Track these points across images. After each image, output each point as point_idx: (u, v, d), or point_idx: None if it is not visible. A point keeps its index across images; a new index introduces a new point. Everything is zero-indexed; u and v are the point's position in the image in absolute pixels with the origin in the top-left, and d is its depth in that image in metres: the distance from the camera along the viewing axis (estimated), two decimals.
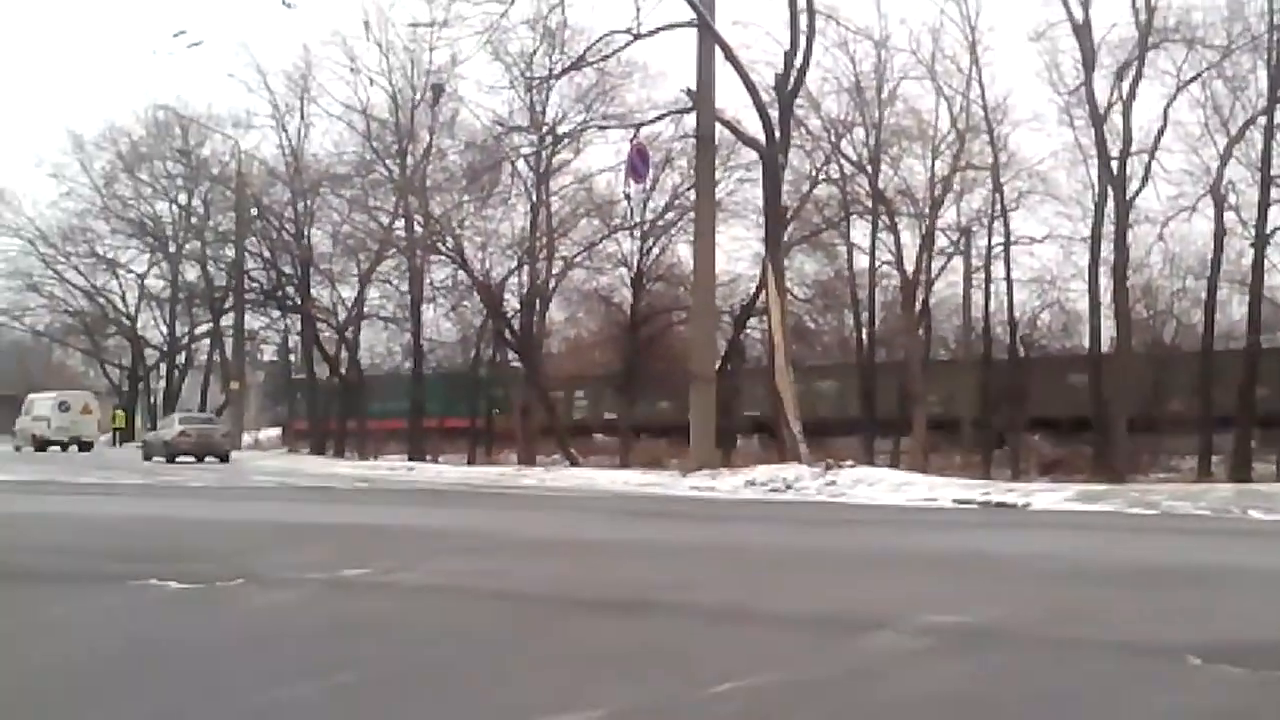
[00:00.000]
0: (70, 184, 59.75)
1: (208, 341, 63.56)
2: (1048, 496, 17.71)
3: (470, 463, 42.41)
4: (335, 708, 4.94)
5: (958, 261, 41.99)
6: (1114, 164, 35.30)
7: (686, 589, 7.79)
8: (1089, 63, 35.26)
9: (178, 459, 40.69)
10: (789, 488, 20.81)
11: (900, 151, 41.80)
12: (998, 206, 40.20)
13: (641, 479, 24.25)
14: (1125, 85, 35.44)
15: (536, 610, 7.21)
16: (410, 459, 43.18)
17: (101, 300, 65.26)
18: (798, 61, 29.02)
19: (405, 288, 47.64)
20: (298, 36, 65.12)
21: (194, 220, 59.44)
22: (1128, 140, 35.21)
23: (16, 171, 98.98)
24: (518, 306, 44.64)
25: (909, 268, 41.17)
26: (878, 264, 42.74)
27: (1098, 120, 35.34)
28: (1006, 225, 40.42)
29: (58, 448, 53.22)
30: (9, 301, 65.32)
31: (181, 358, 66.46)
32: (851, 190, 42.28)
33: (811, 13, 29.24)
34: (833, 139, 41.17)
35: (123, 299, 65.44)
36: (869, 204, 41.82)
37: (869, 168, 41.09)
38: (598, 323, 51.59)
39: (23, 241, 62.17)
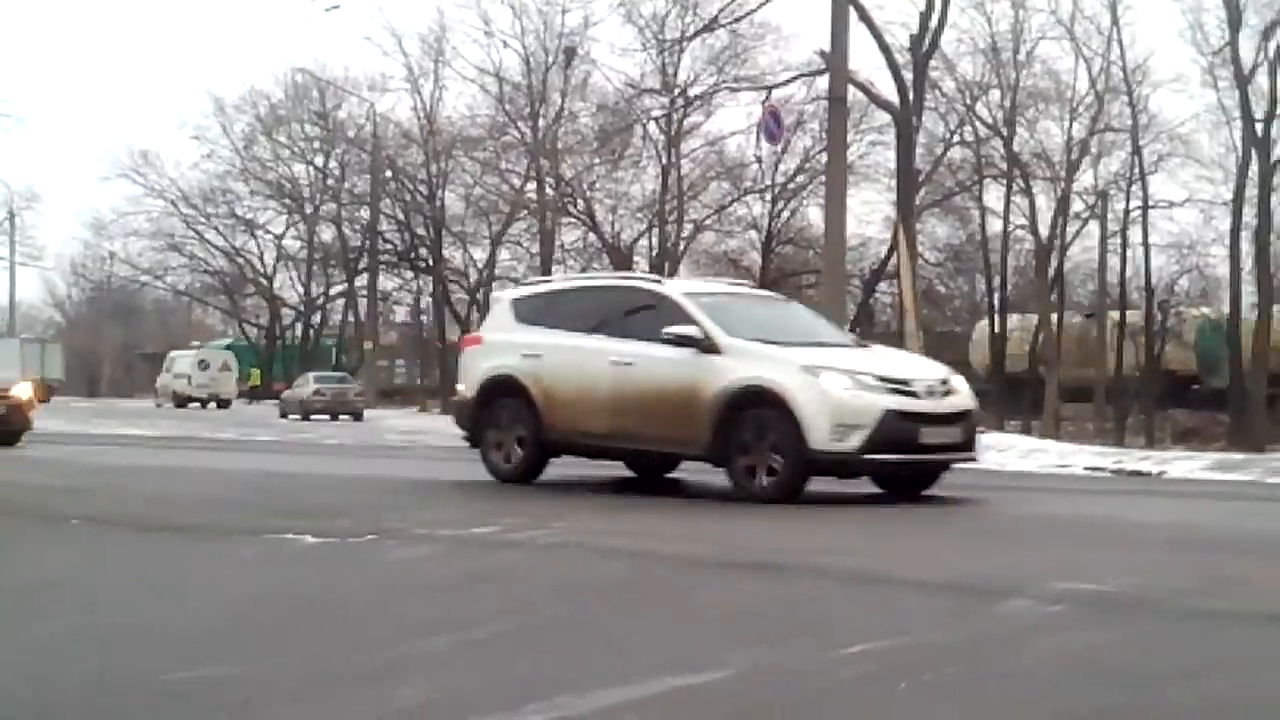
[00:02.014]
0: (211, 146, 60.90)
1: (342, 302, 64.55)
2: (1183, 465, 17.35)
3: None
4: (466, 661, 5.02)
5: (1094, 226, 41.28)
6: (1259, 126, 34.40)
7: (818, 552, 7.78)
8: (1234, 22, 34.36)
9: (312, 417, 41.47)
10: None
11: (1036, 114, 41.18)
12: (1136, 169, 39.40)
13: None
14: (1272, 46, 34.47)
15: (668, 568, 7.25)
16: None
17: (240, 260, 66.51)
18: (933, 22, 28.66)
19: (536, 249, 48.00)
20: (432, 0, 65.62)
21: (330, 182, 60.26)
22: (1274, 102, 34.25)
23: (160, 134, 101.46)
24: (647, 269, 44.78)
25: (1043, 232, 40.58)
26: (1011, 228, 42.21)
27: (1242, 81, 34.44)
28: (1145, 189, 39.62)
29: (197, 404, 54.45)
30: (152, 261, 66.81)
31: (317, 318, 67.54)
32: (986, 153, 41.74)
33: None
34: (967, 101, 40.65)
35: (260, 259, 66.64)
36: (1003, 167, 41.24)
37: (1004, 130, 40.51)
38: None
39: (165, 202, 63.55)
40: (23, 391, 19.49)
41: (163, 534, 8.91)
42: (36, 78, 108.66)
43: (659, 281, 13.41)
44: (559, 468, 12.65)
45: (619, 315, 12.15)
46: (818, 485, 11.11)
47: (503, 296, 14.16)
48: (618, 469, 12.91)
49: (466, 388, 12.96)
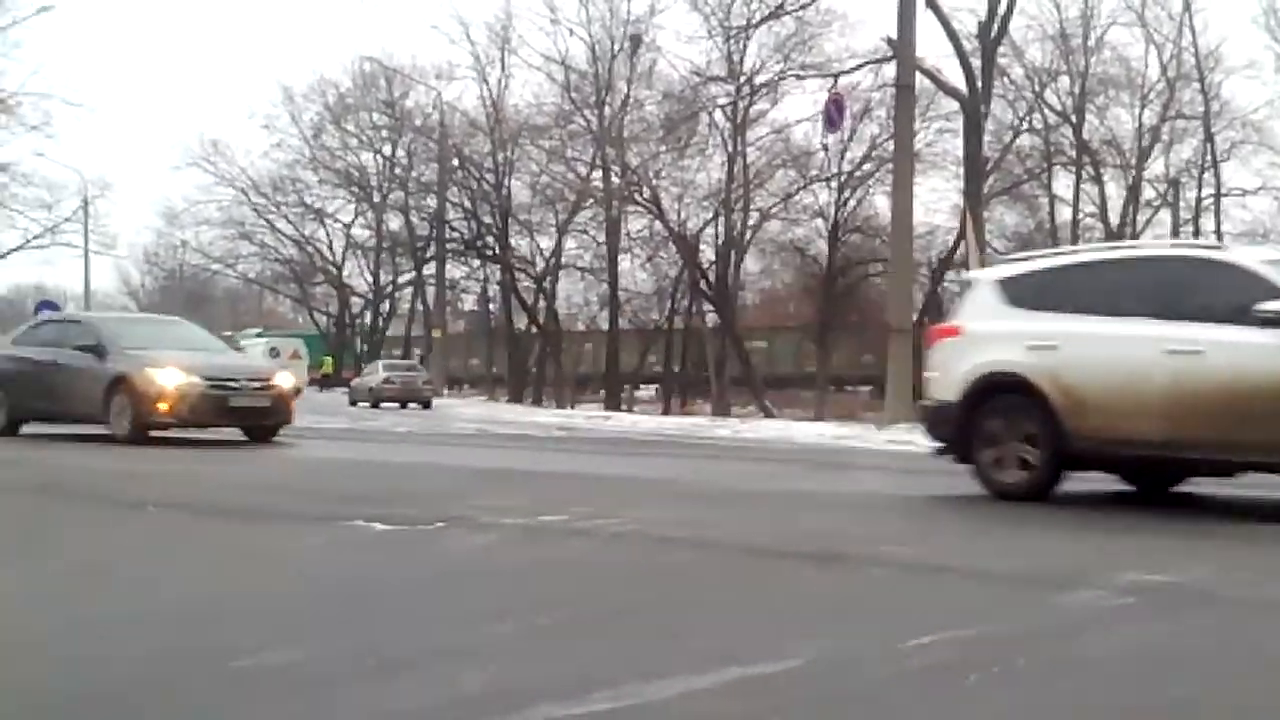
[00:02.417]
0: (280, 135, 61.47)
1: (410, 290, 64.92)
2: None
3: (665, 413, 42.69)
4: (532, 647, 5.04)
5: (1165, 214, 40.93)
6: None
7: (882, 542, 7.76)
8: None
9: (381, 405, 41.74)
10: None
11: (1106, 101, 40.84)
12: (1208, 157, 39.04)
13: (837, 431, 24.11)
14: None
15: (733, 559, 7.27)
16: (606, 409, 43.62)
17: (310, 249, 67.08)
18: (1001, 9, 28.46)
19: (602, 238, 48.08)
20: None
21: (398, 171, 60.62)
22: None
23: (231, 123, 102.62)
24: (713, 258, 44.71)
25: (1114, 220, 40.23)
26: (1081, 216, 41.88)
27: None
28: (1217, 176, 39.22)
29: None
30: (223, 249, 67.53)
31: (385, 306, 67.98)
32: (1055, 140, 41.40)
33: None
34: (1036, 88, 40.33)
35: (329, 247, 67.19)
36: (1073, 155, 40.91)
37: (1073, 117, 40.17)
38: (793, 274, 51.48)
39: (236, 191, 64.20)
40: (285, 380, 18.05)
41: (232, 520, 9.01)
42: (108, 67, 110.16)
43: (1219, 248, 11.14)
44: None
45: (1165, 293, 9.88)
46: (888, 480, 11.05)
47: (982, 277, 11.67)
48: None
49: (944, 389, 10.91)
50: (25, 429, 18.40)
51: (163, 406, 16.74)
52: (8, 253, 51.04)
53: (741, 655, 4.76)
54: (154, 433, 17.10)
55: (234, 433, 17.89)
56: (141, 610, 5.84)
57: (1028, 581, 6.40)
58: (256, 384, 17.48)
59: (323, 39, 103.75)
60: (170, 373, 16.82)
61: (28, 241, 51.02)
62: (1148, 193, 40.80)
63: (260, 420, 17.53)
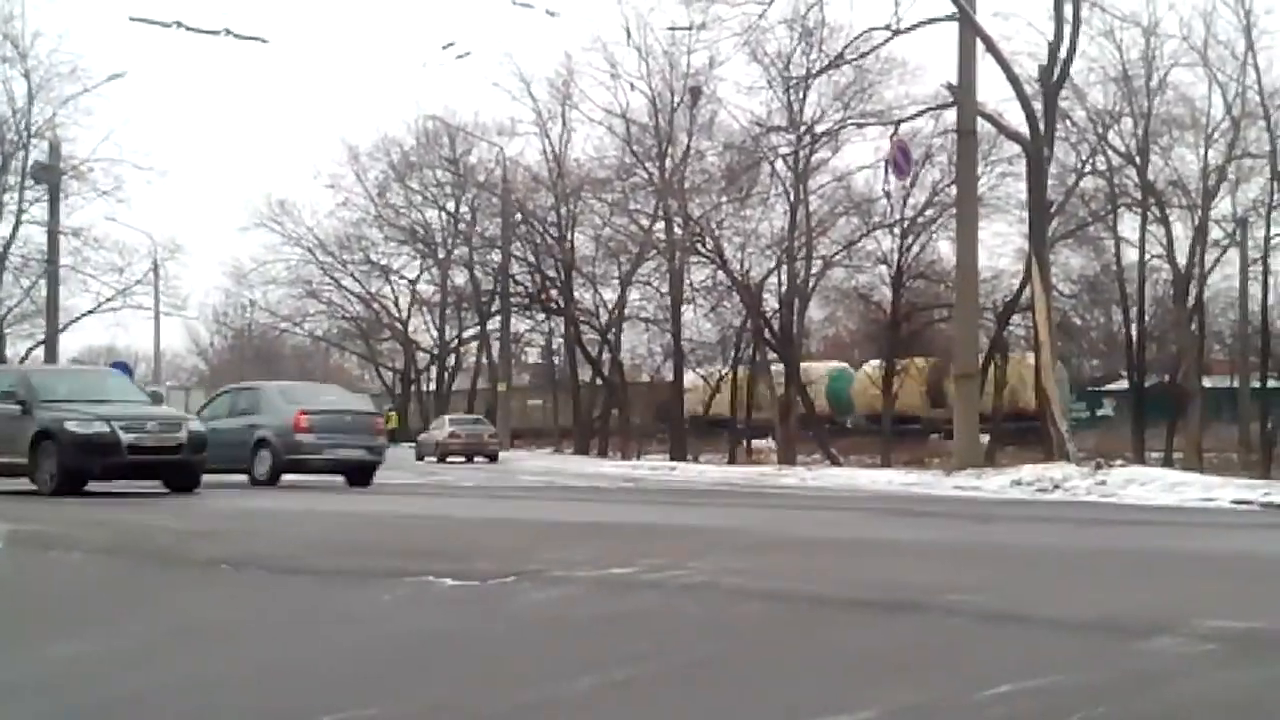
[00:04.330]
0: (346, 194, 62.04)
1: (475, 344, 65.22)
2: None
3: (731, 462, 42.58)
4: (610, 703, 5.04)
5: (1233, 254, 40.50)
6: None
7: (955, 590, 7.69)
8: None
9: (448, 459, 41.89)
10: (1057, 487, 20.33)
11: (1171, 141, 40.50)
12: (1276, 195, 38.59)
13: (904, 478, 24.01)
14: None
15: (805, 609, 7.22)
16: (672, 459, 43.56)
17: (376, 306, 67.55)
18: (1062, 52, 28.30)
19: (665, 289, 48.16)
20: (560, 44, 66.30)
21: (461, 226, 61.00)
22: None
23: (297, 183, 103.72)
24: (777, 306, 44.66)
25: (1181, 261, 39.85)
26: (1148, 258, 41.50)
27: None
28: None
29: None
30: (291, 308, 68.15)
31: (451, 360, 68.28)
32: (1119, 182, 41.12)
33: (1076, 1, 28.51)
34: (1099, 130, 40.08)
35: (395, 304, 67.63)
36: (1138, 196, 40.57)
37: (1138, 158, 39.85)
38: (857, 321, 51.31)
39: (303, 250, 64.82)
40: None
41: (305, 577, 9.05)
42: (177, 131, 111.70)
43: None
44: None
45: None
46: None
47: None
48: None
49: None
50: None
51: None
52: (81, 316, 51.48)
53: (815, 707, 4.75)
54: None
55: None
56: (226, 671, 5.89)
57: (1105, 628, 6.31)
58: None
59: (386, 98, 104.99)
60: None
61: (100, 305, 51.51)
62: (1215, 232, 40.41)
63: None
